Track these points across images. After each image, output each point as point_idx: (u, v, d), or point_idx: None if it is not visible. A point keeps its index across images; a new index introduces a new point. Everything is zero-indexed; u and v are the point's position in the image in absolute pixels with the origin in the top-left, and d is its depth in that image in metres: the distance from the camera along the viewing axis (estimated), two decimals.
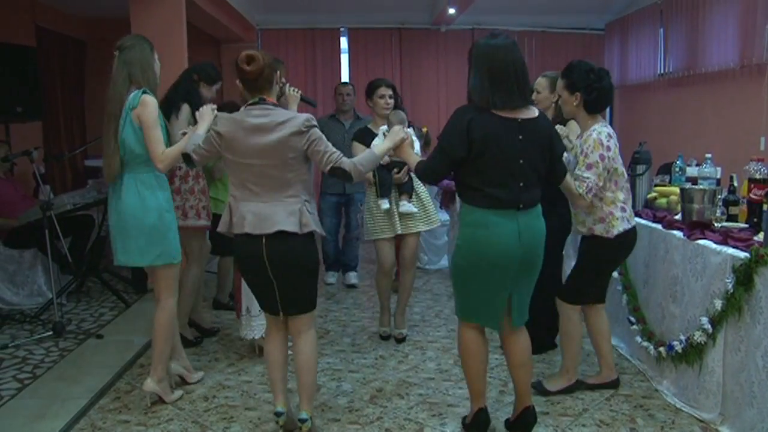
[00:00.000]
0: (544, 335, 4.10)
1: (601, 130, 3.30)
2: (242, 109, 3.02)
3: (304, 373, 3.09)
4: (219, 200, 4.75)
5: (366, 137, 4.28)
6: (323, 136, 2.98)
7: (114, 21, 7.26)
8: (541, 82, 4.11)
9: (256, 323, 4.05)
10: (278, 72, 3.06)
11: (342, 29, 9.37)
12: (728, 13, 6.35)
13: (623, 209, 3.38)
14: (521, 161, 2.86)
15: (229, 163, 3.01)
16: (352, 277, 6.13)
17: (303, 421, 3.05)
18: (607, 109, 9.60)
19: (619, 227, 3.35)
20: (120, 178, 3.39)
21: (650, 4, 8.00)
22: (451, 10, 7.97)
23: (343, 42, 9.46)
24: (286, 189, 2.94)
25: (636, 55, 8.48)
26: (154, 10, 5.47)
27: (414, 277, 4.66)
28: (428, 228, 4.56)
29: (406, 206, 4.34)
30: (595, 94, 3.31)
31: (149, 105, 3.31)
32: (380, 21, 9.12)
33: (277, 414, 3.12)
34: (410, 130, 4.23)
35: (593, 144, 3.25)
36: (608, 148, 3.26)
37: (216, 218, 4.75)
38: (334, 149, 2.98)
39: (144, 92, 3.33)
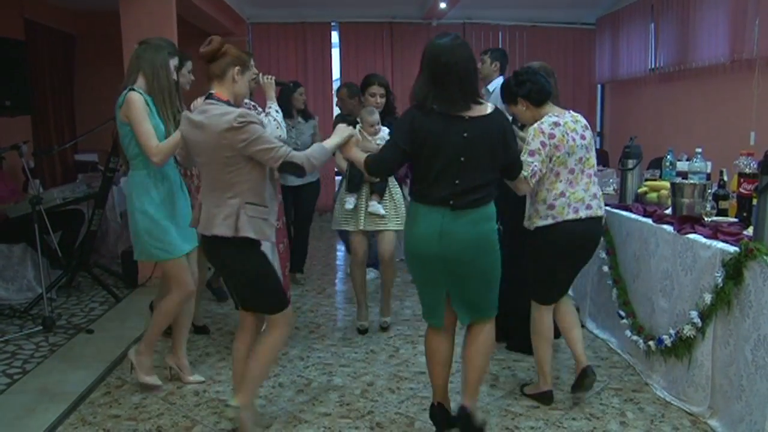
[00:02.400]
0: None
1: (545, 120, 3.29)
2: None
3: (250, 368, 3.05)
4: None
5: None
6: (264, 134, 2.85)
7: (103, 14, 7.26)
8: None
9: None
10: (237, 68, 2.94)
11: (333, 23, 9.37)
12: (719, 9, 6.37)
13: (551, 206, 3.28)
14: (462, 159, 2.81)
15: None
16: (371, 272, 6.04)
17: (228, 406, 3.04)
18: (598, 103, 9.71)
19: (540, 222, 3.30)
20: None
21: None
22: (442, 5, 7.97)
23: (334, 36, 9.46)
24: (227, 190, 2.86)
25: (627, 49, 8.50)
26: (143, 3, 5.45)
27: (394, 272, 4.63)
28: (396, 228, 4.41)
29: (375, 207, 4.31)
30: (527, 85, 3.32)
31: (133, 102, 3.35)
32: (371, 15, 9.12)
33: (226, 404, 3.12)
34: (386, 129, 4.24)
35: (533, 132, 3.25)
36: (551, 136, 3.23)
37: None
38: (281, 144, 2.88)
39: (131, 90, 3.38)
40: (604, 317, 4.41)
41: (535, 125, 3.28)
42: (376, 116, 4.23)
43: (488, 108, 2.88)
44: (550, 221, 3.28)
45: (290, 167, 2.86)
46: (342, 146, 3.12)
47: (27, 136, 6.72)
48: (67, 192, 5.57)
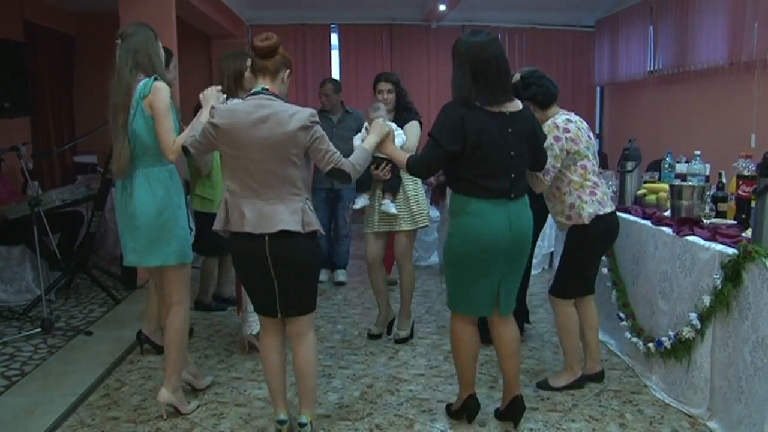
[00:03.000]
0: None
1: (557, 117, 3.47)
2: (243, 99, 2.93)
3: (305, 378, 3.02)
4: (206, 198, 4.65)
5: None
6: (325, 135, 2.86)
7: (103, 16, 7.25)
8: None
9: (254, 318, 3.97)
10: (288, 71, 2.94)
11: (332, 25, 9.36)
12: (718, 11, 6.37)
13: (593, 193, 3.44)
14: (512, 153, 2.96)
15: (227, 158, 2.87)
16: (340, 275, 6.08)
17: (302, 425, 2.99)
18: (597, 106, 9.70)
19: (589, 209, 3.41)
20: (131, 173, 3.24)
21: (640, 1, 8.02)
22: (442, 7, 7.96)
23: (334, 38, 9.45)
24: (288, 186, 2.82)
25: (626, 52, 8.50)
26: (143, 5, 5.45)
27: (411, 275, 4.45)
28: (411, 228, 4.33)
29: (386, 206, 4.21)
30: (533, 88, 3.48)
31: (161, 92, 3.13)
32: (371, 17, 9.11)
33: (281, 422, 3.05)
34: (392, 125, 4.21)
35: (547, 129, 3.36)
36: (566, 130, 3.39)
37: (201, 216, 4.69)
38: (335, 149, 2.88)
39: (155, 79, 3.17)
40: (603, 319, 4.39)
41: (549, 122, 3.42)
42: (381, 112, 4.13)
43: (519, 104, 3.04)
44: (600, 209, 3.43)
45: (338, 173, 2.89)
46: (379, 144, 3.15)
47: (26, 137, 6.71)
48: (66, 194, 5.56)
